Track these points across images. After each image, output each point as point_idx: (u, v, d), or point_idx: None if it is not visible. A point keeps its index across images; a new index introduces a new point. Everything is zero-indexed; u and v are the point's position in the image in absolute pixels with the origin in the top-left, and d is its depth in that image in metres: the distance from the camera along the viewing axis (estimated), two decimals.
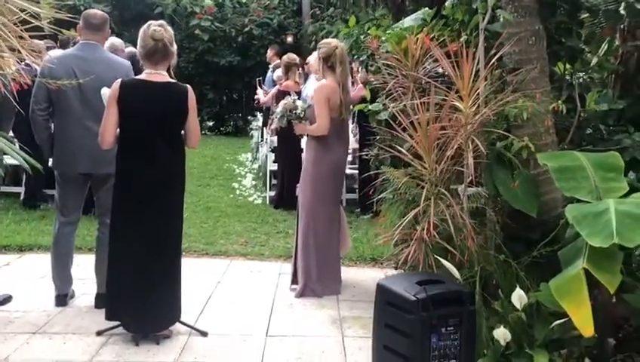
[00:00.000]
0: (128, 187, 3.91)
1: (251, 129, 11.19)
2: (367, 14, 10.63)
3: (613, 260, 2.86)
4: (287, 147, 7.61)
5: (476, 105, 3.60)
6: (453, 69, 3.62)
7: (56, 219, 4.64)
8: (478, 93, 3.63)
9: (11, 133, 7.27)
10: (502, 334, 3.05)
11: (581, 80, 4.47)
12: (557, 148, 3.96)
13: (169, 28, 3.93)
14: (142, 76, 3.91)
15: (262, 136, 9.86)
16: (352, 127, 7.58)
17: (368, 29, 5.03)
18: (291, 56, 7.94)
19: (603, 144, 4.13)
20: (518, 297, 3.12)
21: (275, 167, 8.35)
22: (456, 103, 3.59)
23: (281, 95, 6.77)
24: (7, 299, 4.58)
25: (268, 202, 8.28)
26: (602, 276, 2.80)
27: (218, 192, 8.92)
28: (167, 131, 3.88)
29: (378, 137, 4.24)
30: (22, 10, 3.19)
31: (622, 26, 4.60)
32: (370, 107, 4.44)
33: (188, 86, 3.95)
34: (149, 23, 3.92)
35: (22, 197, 7.68)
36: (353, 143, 7.50)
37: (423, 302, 2.95)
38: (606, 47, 4.87)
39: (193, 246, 6.29)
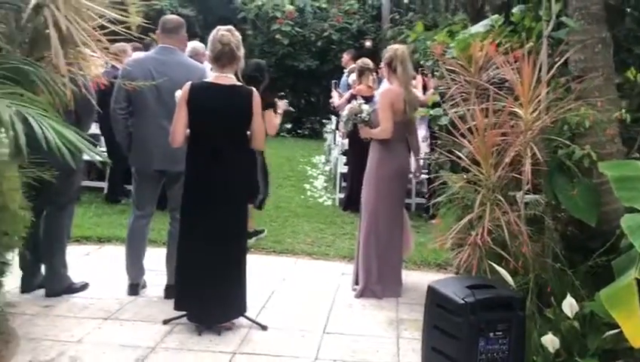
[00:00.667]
0: (196, 184, 4.11)
1: (325, 132, 11.34)
2: (445, 19, 10.61)
3: None
4: (358, 150, 7.67)
5: (537, 112, 3.59)
6: (515, 76, 3.63)
7: (132, 213, 4.92)
8: (539, 100, 3.61)
9: (98, 131, 7.76)
10: (550, 341, 3.05)
11: None
12: (622, 158, 3.89)
13: (236, 33, 4.11)
14: (210, 79, 4.10)
15: (334, 139, 10.00)
16: (424, 132, 7.59)
17: (435, 34, 5.07)
18: (365, 61, 8.03)
19: None
20: (569, 305, 3.10)
21: (345, 169, 8.46)
22: (516, 110, 3.59)
23: (354, 99, 6.87)
24: (84, 286, 4.88)
25: (337, 204, 8.41)
26: None
27: (290, 193, 9.12)
28: (232, 132, 4.06)
29: (439, 142, 4.27)
30: (101, 16, 3.43)
31: None
32: (431, 112, 4.49)
33: (253, 89, 4.12)
34: (217, 27, 4.11)
35: (105, 191, 8.10)
36: (424, 148, 7.52)
37: (472, 305, 2.99)
38: None
39: (261, 243, 6.49)
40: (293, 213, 7.86)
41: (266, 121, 6.33)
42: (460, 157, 3.78)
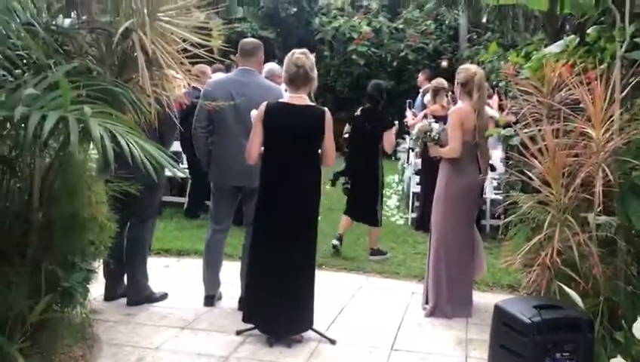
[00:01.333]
0: (268, 200, 4.28)
1: (399, 151, 11.39)
2: (524, 39, 10.51)
3: None
4: (431, 170, 7.69)
5: (609, 133, 3.57)
6: (588, 96, 3.62)
7: (210, 227, 5.15)
8: (611, 121, 3.59)
9: (180, 148, 8.11)
10: None
11: None
12: None
13: (311, 56, 4.27)
14: (285, 99, 4.27)
15: (407, 159, 10.03)
16: (500, 153, 7.54)
17: (500, 55, 5.08)
18: (439, 81, 8.07)
19: None
20: (639, 328, 3.05)
21: (418, 189, 8.47)
22: (588, 130, 3.58)
23: (426, 119, 6.94)
24: (163, 296, 5.11)
25: (409, 223, 8.44)
26: None
27: None
28: (305, 150, 4.21)
29: (510, 162, 4.28)
30: (184, 40, 3.65)
31: None
32: (502, 132, 4.50)
33: (325, 109, 4.26)
34: (293, 51, 4.29)
35: (185, 206, 8.42)
36: (501, 168, 7.48)
37: (538, 325, 3.00)
38: None
39: (333, 261, 6.60)
40: (366, 231, 7.92)
41: (385, 139, 6.71)
42: (530, 178, 3.78)
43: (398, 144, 15.00)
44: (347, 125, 7.21)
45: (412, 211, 8.66)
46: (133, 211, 4.72)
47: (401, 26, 16.40)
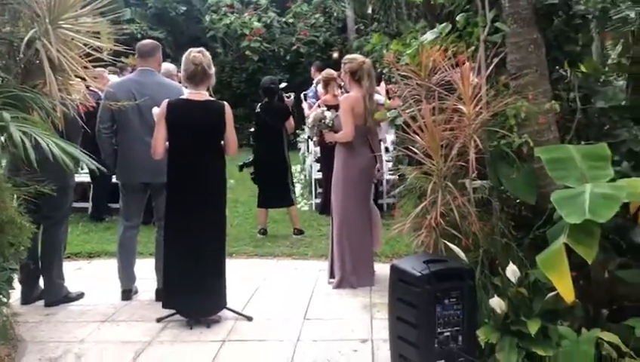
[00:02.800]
0: (177, 191, 4.53)
1: (299, 141, 11.79)
2: (407, 28, 11.12)
3: (590, 236, 3.27)
4: (330, 156, 8.10)
5: (479, 107, 4.07)
6: (458, 77, 4.10)
7: (121, 224, 5.32)
8: (479, 97, 4.09)
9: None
10: (497, 303, 3.50)
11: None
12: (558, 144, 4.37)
13: (207, 53, 4.55)
14: (185, 96, 4.54)
15: (307, 148, 10.44)
16: (392, 136, 8.05)
17: (387, 43, 5.53)
18: (329, 72, 8.49)
19: (605, 139, 4.51)
20: (512, 272, 3.56)
21: (319, 175, 8.89)
22: (460, 106, 4.07)
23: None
24: (79, 296, 5.26)
25: (314, 208, 8.85)
26: (580, 249, 3.21)
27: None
28: (208, 142, 4.50)
29: (397, 140, 4.73)
30: (85, 45, 3.85)
31: (633, 30, 4.97)
32: (388, 114, 4.96)
33: (225, 103, 4.57)
34: (190, 50, 4.55)
35: (89, 211, 8.45)
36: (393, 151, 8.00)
37: (427, 276, 3.44)
38: (620, 48, 5.26)
39: (243, 248, 6.93)
40: (272, 219, 8.24)
41: (288, 127, 7.53)
42: (415, 152, 4.24)
43: (297, 135, 15.48)
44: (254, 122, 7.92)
45: (315, 197, 9.08)
46: (46, 213, 4.84)
47: (290, 20, 16.79)
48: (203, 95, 4.52)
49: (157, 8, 16.18)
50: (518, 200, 4.28)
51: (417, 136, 4.19)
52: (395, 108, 5.26)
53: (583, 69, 4.83)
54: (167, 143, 4.53)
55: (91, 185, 8.52)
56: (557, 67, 4.75)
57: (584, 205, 3.22)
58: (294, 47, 16.26)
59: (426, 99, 4.46)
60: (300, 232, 7.53)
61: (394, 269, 3.67)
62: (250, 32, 16.03)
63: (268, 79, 8.07)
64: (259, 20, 16.38)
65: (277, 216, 8.37)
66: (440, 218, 3.92)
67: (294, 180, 10.61)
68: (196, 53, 4.49)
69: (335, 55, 16.19)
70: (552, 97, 4.41)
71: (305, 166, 10.72)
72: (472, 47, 4.70)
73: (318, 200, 8.86)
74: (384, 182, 8.47)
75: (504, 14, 4.45)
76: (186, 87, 4.66)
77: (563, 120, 4.56)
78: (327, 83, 8.27)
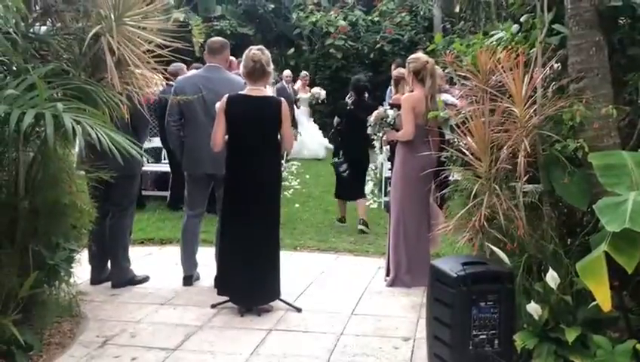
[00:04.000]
0: (235, 183, 4.71)
1: (373, 139, 11.82)
2: (493, 27, 10.92)
3: (633, 245, 3.18)
4: None
5: (532, 110, 4.01)
6: (510, 79, 4.05)
7: (185, 213, 5.57)
8: (533, 100, 4.03)
9: (161, 145, 8.55)
10: (534, 308, 3.45)
11: None
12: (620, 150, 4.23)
13: (266, 51, 4.69)
14: (244, 91, 4.70)
15: (381, 146, 10.45)
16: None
17: (452, 43, 5.49)
18: (400, 71, 8.43)
19: None
20: (552, 278, 3.50)
21: (390, 174, 8.89)
22: (513, 108, 4.02)
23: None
24: (145, 279, 5.54)
25: (383, 206, 8.88)
26: (621, 258, 3.13)
27: None
28: (264, 136, 4.64)
29: (451, 140, 4.72)
30: (150, 42, 4.07)
31: None
32: (441, 114, 4.94)
33: (282, 99, 4.70)
34: (250, 47, 4.71)
35: (167, 200, 8.85)
36: None
37: (463, 278, 3.44)
38: None
39: (308, 242, 7.07)
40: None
41: None
42: (464, 153, 4.22)
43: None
44: (336, 118, 8.45)
45: (385, 195, 9.10)
46: (113, 200, 5.15)
47: (376, 19, 16.85)
48: (261, 91, 4.67)
49: (246, 5, 16.63)
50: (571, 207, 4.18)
51: (466, 137, 4.18)
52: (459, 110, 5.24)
53: None
54: (226, 137, 4.70)
55: (170, 175, 8.88)
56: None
57: (625, 213, 3.13)
58: (378, 45, 16.32)
59: (482, 101, 4.43)
60: (364, 223, 7.73)
61: (432, 268, 3.70)
62: (335, 30, 16.18)
63: (359, 77, 8.69)
64: (345, 19, 16.53)
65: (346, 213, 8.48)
66: (486, 221, 3.89)
67: (366, 178, 10.77)
68: (256, 51, 4.64)
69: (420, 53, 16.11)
70: (619, 102, 4.29)
71: (377, 164, 10.74)
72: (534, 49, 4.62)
73: (387, 198, 8.87)
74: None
75: (566, 16, 4.36)
76: (246, 84, 4.82)
77: (630, 125, 4.41)
78: (397, 82, 8.25)
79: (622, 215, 3.13)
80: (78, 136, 3.01)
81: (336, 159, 8.35)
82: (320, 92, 13.93)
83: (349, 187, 7.98)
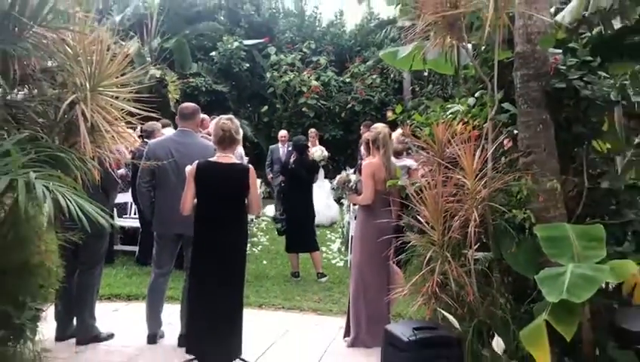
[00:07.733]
0: (202, 245, 4.86)
1: (343, 198, 12.08)
2: (459, 92, 11.36)
3: (571, 314, 3.41)
4: None
5: (482, 183, 4.27)
6: (462, 152, 4.33)
7: (152, 271, 5.69)
8: (484, 173, 4.30)
9: (131, 200, 8.68)
10: None
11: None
12: (564, 221, 4.50)
13: (235, 120, 4.93)
14: (213, 158, 4.91)
15: (349, 206, 10.70)
16: None
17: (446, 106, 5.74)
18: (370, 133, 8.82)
19: (613, 218, 4.61)
20: (497, 344, 3.71)
21: None
22: (464, 180, 4.28)
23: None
24: (110, 336, 5.62)
25: (348, 265, 9.05)
26: (559, 326, 3.37)
27: (306, 255, 9.77)
28: (232, 201, 4.83)
29: (408, 208, 4.96)
30: (122, 109, 4.28)
31: None
32: (399, 183, 5.20)
33: (250, 165, 4.92)
34: (220, 117, 4.95)
35: (136, 254, 8.92)
36: None
37: (414, 343, 3.63)
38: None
39: (273, 300, 7.18)
40: (306, 273, 8.54)
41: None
42: (420, 221, 4.46)
43: None
44: (280, 176, 9.35)
45: (351, 253, 9.26)
46: (81, 259, 5.27)
47: (348, 80, 17.35)
48: (230, 158, 4.89)
49: (222, 64, 16.97)
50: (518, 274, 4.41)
51: (421, 207, 4.42)
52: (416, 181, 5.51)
53: (602, 146, 4.95)
54: (195, 200, 4.89)
55: (139, 230, 8.97)
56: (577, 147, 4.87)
57: (563, 285, 3.37)
58: (350, 105, 16.78)
59: (437, 172, 4.69)
60: (322, 276, 8.27)
61: (386, 333, 3.88)
62: (308, 89, 16.61)
63: (299, 137, 9.23)
64: (317, 79, 16.99)
65: (312, 271, 8.62)
66: (439, 286, 4.11)
67: (333, 237, 11.01)
68: (225, 121, 4.88)
69: (389, 114, 16.52)
70: (569, 173, 4.58)
71: (343, 222, 10.97)
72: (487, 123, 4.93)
73: None
74: None
75: (516, 95, 4.68)
76: (215, 150, 5.03)
77: (578, 195, 4.68)
78: (368, 145, 8.58)
79: (560, 286, 3.38)
80: (47, 202, 3.17)
81: (277, 214, 8.95)
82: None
83: (297, 239, 8.49)
